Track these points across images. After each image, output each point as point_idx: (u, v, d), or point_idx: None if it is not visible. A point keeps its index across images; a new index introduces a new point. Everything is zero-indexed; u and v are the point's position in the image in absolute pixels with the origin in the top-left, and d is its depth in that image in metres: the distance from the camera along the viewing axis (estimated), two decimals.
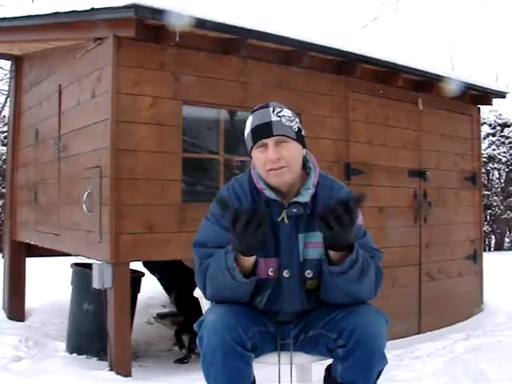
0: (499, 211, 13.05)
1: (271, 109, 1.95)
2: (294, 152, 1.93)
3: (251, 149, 1.97)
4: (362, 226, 1.99)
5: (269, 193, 1.95)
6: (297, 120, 1.99)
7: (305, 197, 1.94)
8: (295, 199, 1.94)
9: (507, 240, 13.93)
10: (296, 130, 1.96)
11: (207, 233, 1.98)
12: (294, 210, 1.94)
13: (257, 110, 1.99)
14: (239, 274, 1.81)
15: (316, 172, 2.01)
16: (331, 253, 1.83)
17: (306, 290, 1.98)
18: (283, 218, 1.95)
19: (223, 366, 1.76)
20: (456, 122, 5.79)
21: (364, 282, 1.85)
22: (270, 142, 1.91)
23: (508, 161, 13.05)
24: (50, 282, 5.85)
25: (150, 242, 3.71)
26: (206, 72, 3.98)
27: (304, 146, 2.00)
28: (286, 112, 1.96)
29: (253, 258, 1.84)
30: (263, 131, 1.92)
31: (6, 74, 11.20)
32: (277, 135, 1.91)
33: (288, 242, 1.95)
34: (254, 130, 1.95)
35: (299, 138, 1.96)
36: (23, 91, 5.56)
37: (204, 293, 1.97)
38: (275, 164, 1.90)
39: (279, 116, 1.93)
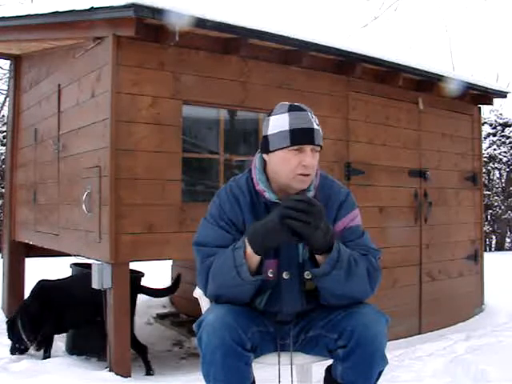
0: (500, 211, 13.04)
1: (309, 114, 1.94)
2: (317, 161, 1.95)
3: (280, 148, 1.91)
4: (360, 226, 2.00)
5: (269, 195, 1.94)
6: None
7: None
8: None
9: (508, 240, 13.94)
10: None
11: (207, 233, 1.97)
12: None
13: (293, 109, 1.94)
14: (246, 271, 1.81)
15: (317, 174, 2.01)
16: (317, 256, 1.85)
17: (306, 290, 1.98)
18: None
19: (223, 367, 1.76)
20: (457, 122, 5.78)
21: (354, 280, 1.85)
22: (308, 147, 1.90)
23: (509, 161, 13.05)
24: None
25: (149, 242, 3.71)
26: (205, 72, 3.97)
27: None
28: (317, 120, 1.96)
29: (258, 258, 1.84)
30: (305, 136, 1.90)
31: (5, 74, 11.23)
32: (316, 145, 1.91)
33: (288, 244, 1.94)
34: (294, 132, 1.89)
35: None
36: (22, 91, 5.56)
37: (205, 291, 1.96)
38: (307, 170, 1.90)
39: (317, 124, 1.93)
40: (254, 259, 1.83)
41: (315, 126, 1.91)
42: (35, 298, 4.15)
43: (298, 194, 1.87)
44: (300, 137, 1.89)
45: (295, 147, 1.89)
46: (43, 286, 4.20)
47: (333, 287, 1.85)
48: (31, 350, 4.12)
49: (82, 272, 4.38)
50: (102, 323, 3.75)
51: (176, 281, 4.52)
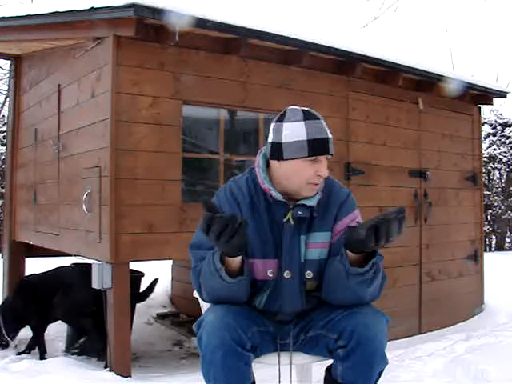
0: (500, 211, 13.04)
1: (323, 122, 1.95)
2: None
3: (297, 158, 1.91)
4: None
5: (276, 194, 1.94)
6: None
7: (312, 200, 1.94)
8: (303, 202, 1.94)
9: (508, 240, 13.93)
10: None
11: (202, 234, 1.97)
12: (300, 213, 1.94)
13: (309, 117, 1.93)
14: (225, 274, 1.80)
15: None
16: (350, 254, 1.82)
17: (306, 290, 1.98)
18: (289, 219, 1.94)
19: (223, 367, 1.76)
20: (457, 122, 5.78)
21: (374, 285, 1.86)
22: (323, 158, 1.92)
23: (509, 161, 13.04)
24: None
25: (149, 242, 3.71)
26: (205, 72, 3.97)
27: None
28: (329, 128, 1.98)
29: (238, 259, 1.82)
30: (322, 147, 1.91)
31: (5, 74, 11.21)
32: (330, 154, 1.93)
33: (290, 243, 1.94)
34: (313, 143, 1.89)
35: None
36: (22, 91, 5.55)
37: (200, 295, 1.98)
38: (320, 180, 1.93)
39: (330, 133, 1.95)
40: (232, 261, 1.81)
41: (330, 135, 1.94)
42: (18, 294, 4.20)
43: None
44: (317, 147, 1.90)
45: (312, 158, 1.90)
46: (27, 280, 4.31)
47: (355, 287, 1.84)
48: (30, 351, 4.13)
49: (72, 266, 4.49)
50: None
51: (150, 286, 4.51)
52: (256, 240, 1.93)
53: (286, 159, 1.92)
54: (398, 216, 1.73)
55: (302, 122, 1.91)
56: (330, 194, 2.01)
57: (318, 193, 1.96)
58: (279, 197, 1.94)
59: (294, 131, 1.91)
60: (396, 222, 1.73)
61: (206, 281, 1.88)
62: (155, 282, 4.52)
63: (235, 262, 1.82)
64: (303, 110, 1.95)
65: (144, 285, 4.58)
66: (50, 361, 3.88)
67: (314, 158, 1.90)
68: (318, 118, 1.94)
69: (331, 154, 1.94)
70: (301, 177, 1.91)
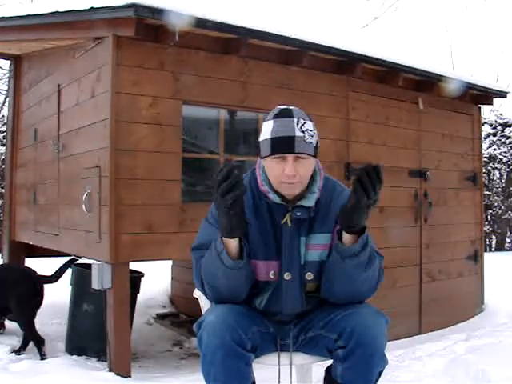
0: (500, 211, 13.04)
1: (295, 120, 1.87)
2: (308, 168, 1.91)
3: (266, 156, 1.90)
4: None
5: (273, 196, 1.94)
6: (316, 132, 1.93)
7: (310, 201, 1.93)
8: (300, 203, 1.93)
9: (508, 240, 13.93)
10: (315, 144, 1.91)
11: (208, 233, 1.97)
12: (298, 214, 1.93)
13: (279, 115, 1.90)
14: (226, 256, 1.80)
15: (321, 176, 2.00)
16: (345, 236, 1.83)
17: (307, 292, 1.98)
18: (287, 221, 1.94)
19: (223, 367, 1.76)
20: (457, 122, 5.78)
21: (369, 271, 1.85)
22: (289, 156, 1.86)
23: (509, 161, 13.04)
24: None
25: (149, 242, 3.70)
26: (205, 72, 3.97)
27: (317, 157, 1.97)
28: (309, 125, 1.89)
29: (236, 241, 1.82)
30: (285, 146, 1.85)
31: (5, 74, 11.21)
32: (298, 153, 1.86)
33: (290, 245, 1.94)
34: (274, 141, 1.87)
35: (316, 153, 1.92)
36: (22, 91, 5.55)
37: (203, 292, 1.97)
38: (290, 179, 1.87)
39: (303, 131, 1.86)
40: (230, 244, 1.82)
41: (298, 134, 1.85)
42: None
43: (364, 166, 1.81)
44: (279, 146, 1.86)
45: (277, 155, 1.87)
46: None
47: (351, 271, 1.83)
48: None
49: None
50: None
51: (64, 266, 4.50)
52: (258, 241, 1.93)
53: (262, 158, 1.94)
54: (374, 167, 1.75)
55: (272, 121, 1.90)
56: (331, 196, 2.00)
57: (315, 192, 1.95)
58: (277, 199, 1.93)
59: (265, 130, 1.92)
60: (373, 172, 1.74)
61: (207, 269, 1.88)
62: (70, 262, 4.49)
63: (233, 244, 1.82)
64: (281, 109, 1.93)
65: (144, 285, 4.58)
66: (50, 361, 3.88)
67: (279, 156, 1.87)
68: (291, 116, 1.88)
69: (305, 154, 1.87)
70: (272, 176, 1.91)
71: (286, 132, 1.86)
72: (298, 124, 1.87)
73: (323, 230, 1.96)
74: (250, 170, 2.06)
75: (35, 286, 4.26)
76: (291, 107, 1.94)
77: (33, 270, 4.45)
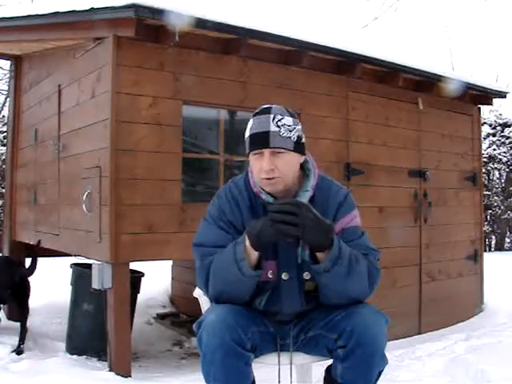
0: (499, 211, 13.04)
1: (271, 116, 1.90)
2: (289, 163, 1.91)
3: (248, 154, 1.96)
4: (359, 227, 2.01)
5: (265, 196, 1.95)
6: (297, 128, 1.93)
7: (302, 199, 1.92)
8: None
9: (508, 240, 13.93)
10: (295, 139, 1.91)
11: (207, 233, 1.98)
12: None
13: (258, 113, 1.95)
14: (247, 265, 1.81)
15: (315, 174, 2.00)
16: (318, 254, 1.85)
17: (305, 291, 1.98)
18: None
19: (223, 367, 1.76)
20: (456, 122, 5.79)
21: (354, 278, 1.85)
22: (265, 151, 1.89)
23: (508, 161, 13.04)
24: (49, 283, 5.84)
25: (149, 242, 3.71)
26: (205, 72, 3.98)
27: (303, 153, 1.98)
28: (287, 120, 1.91)
29: (257, 254, 1.85)
30: (260, 141, 1.89)
31: (5, 74, 11.21)
32: (273, 147, 1.88)
33: (286, 244, 1.94)
34: (251, 137, 1.92)
35: (297, 148, 1.93)
36: (23, 91, 5.56)
37: (206, 290, 1.96)
38: (269, 174, 1.89)
39: (278, 126, 1.89)
40: (253, 254, 1.84)
41: (272, 129, 1.88)
42: None
43: (284, 198, 1.88)
44: (255, 142, 1.91)
45: (255, 152, 1.91)
46: None
47: (334, 284, 1.85)
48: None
49: None
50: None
51: (32, 262, 4.56)
52: None
53: (247, 157, 1.98)
54: (279, 207, 1.78)
55: (252, 119, 1.96)
56: (328, 195, 2.00)
57: (308, 190, 1.95)
58: (269, 199, 1.94)
59: (247, 129, 1.97)
60: (274, 208, 1.79)
61: (220, 272, 1.88)
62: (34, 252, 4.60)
63: (255, 255, 1.84)
64: (262, 107, 1.97)
65: (144, 285, 4.58)
66: (49, 361, 3.88)
67: (257, 152, 1.90)
68: (268, 113, 1.91)
69: (282, 148, 1.88)
70: (255, 173, 1.95)
71: (261, 128, 1.90)
72: (273, 120, 1.90)
73: None
74: (245, 171, 2.07)
75: (12, 272, 4.33)
76: (273, 105, 1.97)
77: (13, 259, 4.60)
